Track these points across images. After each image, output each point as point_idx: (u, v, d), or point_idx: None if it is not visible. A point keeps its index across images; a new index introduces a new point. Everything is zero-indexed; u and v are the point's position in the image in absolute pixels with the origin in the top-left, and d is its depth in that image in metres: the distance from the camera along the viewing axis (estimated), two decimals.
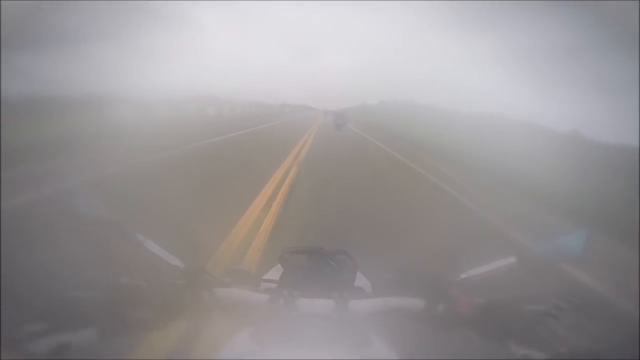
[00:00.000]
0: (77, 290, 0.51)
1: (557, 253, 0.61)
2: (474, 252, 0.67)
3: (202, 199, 4.40)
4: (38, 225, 2.62)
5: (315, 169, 7.39)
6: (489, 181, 7.23)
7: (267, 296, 0.56)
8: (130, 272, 0.58)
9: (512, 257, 0.61)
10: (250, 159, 8.13)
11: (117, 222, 0.61)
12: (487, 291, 0.61)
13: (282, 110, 54.25)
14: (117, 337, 0.52)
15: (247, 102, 35.95)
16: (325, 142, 13.26)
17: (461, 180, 7.22)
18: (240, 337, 0.56)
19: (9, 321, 0.45)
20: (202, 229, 3.18)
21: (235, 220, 3.67)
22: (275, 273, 0.62)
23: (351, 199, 5.03)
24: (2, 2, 1.57)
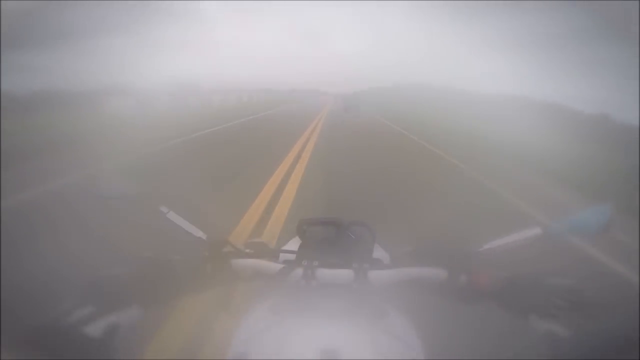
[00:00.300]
0: (114, 269, 0.53)
1: (581, 228, 0.60)
2: (495, 228, 0.65)
3: (214, 183, 4.66)
4: (70, 212, 2.74)
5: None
6: (522, 169, 7.02)
7: (286, 267, 0.57)
8: (159, 247, 0.60)
9: (535, 228, 0.60)
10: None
11: (147, 194, 0.63)
12: (509, 264, 0.60)
13: (290, 96, 52.98)
14: (155, 311, 0.53)
15: (254, 89, 36.34)
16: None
17: (493, 167, 7.00)
18: (261, 307, 0.57)
19: (53, 312, 0.45)
20: (221, 209, 3.44)
21: (253, 198, 3.99)
22: (294, 245, 0.62)
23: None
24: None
